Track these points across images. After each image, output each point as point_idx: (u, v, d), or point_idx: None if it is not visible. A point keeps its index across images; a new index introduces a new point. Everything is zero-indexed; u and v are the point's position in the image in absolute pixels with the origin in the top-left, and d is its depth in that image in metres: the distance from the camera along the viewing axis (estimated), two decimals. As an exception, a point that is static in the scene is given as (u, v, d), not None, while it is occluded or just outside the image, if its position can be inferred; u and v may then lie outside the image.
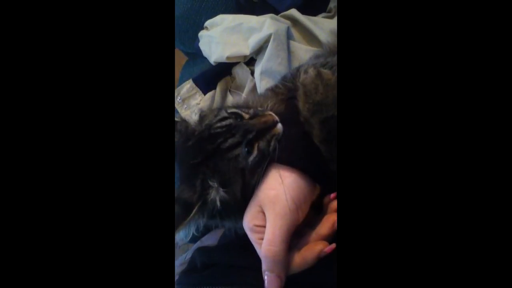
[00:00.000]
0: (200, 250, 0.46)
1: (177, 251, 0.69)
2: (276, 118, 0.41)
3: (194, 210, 0.38)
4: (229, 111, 0.43)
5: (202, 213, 0.39)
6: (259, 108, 0.44)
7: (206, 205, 0.39)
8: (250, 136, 0.40)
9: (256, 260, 0.37)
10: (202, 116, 0.45)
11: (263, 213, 0.37)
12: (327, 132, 0.38)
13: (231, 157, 0.39)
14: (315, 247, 0.36)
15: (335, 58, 0.47)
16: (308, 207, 0.38)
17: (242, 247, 0.39)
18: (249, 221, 0.38)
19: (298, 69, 0.48)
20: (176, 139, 0.44)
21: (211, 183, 0.39)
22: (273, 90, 0.50)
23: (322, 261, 0.36)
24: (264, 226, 0.36)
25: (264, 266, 0.36)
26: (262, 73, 0.65)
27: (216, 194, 0.39)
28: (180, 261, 0.58)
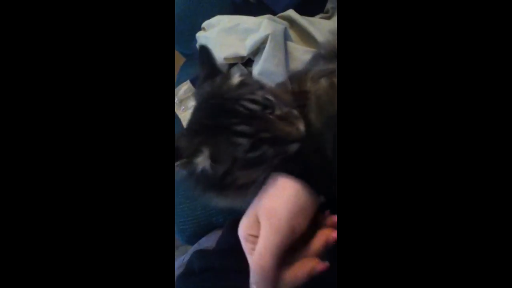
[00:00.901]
0: (198, 253, 0.46)
1: (175, 252, 0.68)
2: (301, 134, 0.39)
3: (181, 161, 0.38)
4: (266, 96, 0.40)
5: (186, 169, 0.39)
6: (294, 111, 0.41)
7: (191, 165, 0.39)
8: (264, 135, 0.38)
9: None
10: (242, 83, 0.43)
11: (259, 223, 0.36)
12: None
13: (232, 142, 0.38)
14: (306, 264, 0.35)
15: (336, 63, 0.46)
16: (307, 222, 0.36)
17: (239, 251, 0.37)
18: (244, 230, 0.37)
19: (305, 73, 0.46)
20: (209, 85, 0.43)
21: (203, 149, 0.38)
22: (283, 86, 0.48)
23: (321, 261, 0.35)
24: (258, 237, 0.35)
25: (251, 279, 0.35)
26: (259, 74, 0.65)
27: (202, 162, 0.38)
28: (178, 264, 0.58)
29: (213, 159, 0.38)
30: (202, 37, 0.75)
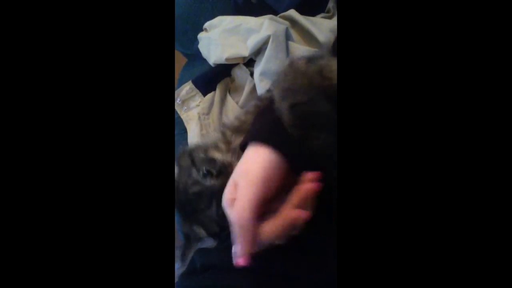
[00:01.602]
0: (200, 251, 0.46)
1: (177, 252, 0.69)
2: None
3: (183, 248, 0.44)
4: (201, 170, 0.45)
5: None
6: (225, 163, 0.45)
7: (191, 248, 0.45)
8: (217, 196, 0.42)
9: (255, 262, 0.37)
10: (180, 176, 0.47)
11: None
12: (295, 117, 0.39)
13: (208, 215, 0.43)
14: (287, 215, 0.36)
15: (331, 59, 0.47)
16: (281, 180, 0.38)
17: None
18: (226, 198, 0.38)
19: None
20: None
21: (197, 230, 0.44)
22: (257, 105, 0.51)
23: (322, 261, 0.36)
24: None
25: (233, 236, 0.36)
26: (261, 74, 0.65)
27: (199, 240, 0.45)
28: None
29: (207, 231, 0.44)
30: (204, 38, 0.75)
